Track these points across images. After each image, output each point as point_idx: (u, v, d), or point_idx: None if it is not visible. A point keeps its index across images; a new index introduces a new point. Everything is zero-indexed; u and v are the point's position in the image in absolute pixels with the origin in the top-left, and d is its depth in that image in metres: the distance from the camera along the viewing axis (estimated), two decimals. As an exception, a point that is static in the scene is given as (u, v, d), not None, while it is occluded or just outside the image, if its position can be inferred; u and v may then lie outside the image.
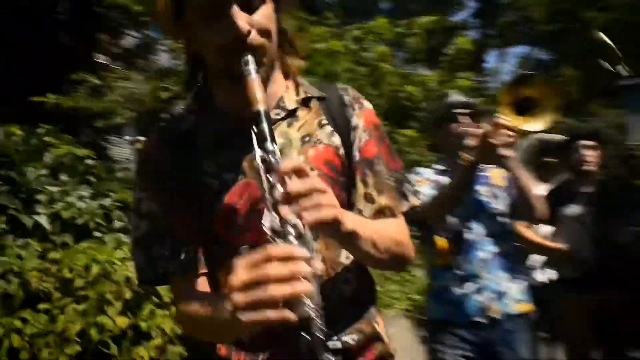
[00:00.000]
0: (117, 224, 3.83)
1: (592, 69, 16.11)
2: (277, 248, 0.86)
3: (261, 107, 0.98)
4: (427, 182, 2.45)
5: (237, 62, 1.03)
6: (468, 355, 2.27)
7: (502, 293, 2.31)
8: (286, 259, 0.84)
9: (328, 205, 0.93)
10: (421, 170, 2.56)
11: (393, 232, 1.19)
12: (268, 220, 0.90)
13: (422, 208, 2.22)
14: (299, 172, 0.91)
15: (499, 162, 2.21)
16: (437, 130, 2.57)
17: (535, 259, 3.53)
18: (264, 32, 1.07)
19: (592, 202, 3.20)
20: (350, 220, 1.03)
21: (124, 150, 10.44)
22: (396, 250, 1.18)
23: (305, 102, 1.22)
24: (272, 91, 1.17)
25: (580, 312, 3.11)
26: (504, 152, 2.10)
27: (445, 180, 2.42)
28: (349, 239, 1.04)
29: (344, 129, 1.21)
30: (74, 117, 7.02)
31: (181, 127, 1.19)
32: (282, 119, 1.18)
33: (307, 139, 1.18)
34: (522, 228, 2.94)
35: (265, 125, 0.96)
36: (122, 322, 2.88)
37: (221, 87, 1.16)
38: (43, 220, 3.40)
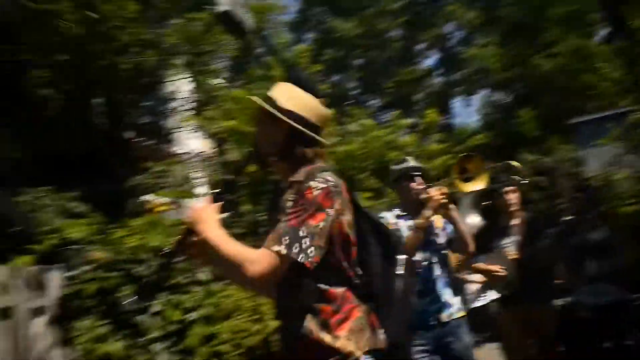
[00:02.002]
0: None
1: (546, 108, 17.73)
2: None
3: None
4: (390, 226, 3.33)
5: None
6: (427, 348, 3.28)
7: (447, 304, 3.37)
8: None
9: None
10: (383, 214, 3.50)
11: (244, 250, 1.74)
12: None
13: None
14: None
15: (441, 212, 3.38)
16: (397, 186, 3.64)
17: (472, 288, 4.66)
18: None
19: (519, 234, 4.24)
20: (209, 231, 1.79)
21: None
22: (236, 260, 1.71)
23: (291, 183, 1.91)
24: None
25: (513, 321, 4.20)
26: (446, 204, 3.30)
27: (402, 222, 3.42)
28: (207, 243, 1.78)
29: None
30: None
31: None
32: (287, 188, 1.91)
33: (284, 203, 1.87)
34: (463, 259, 3.97)
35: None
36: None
37: None
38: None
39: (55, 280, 4.44)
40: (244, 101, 7.97)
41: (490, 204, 4.57)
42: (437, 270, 3.42)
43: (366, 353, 1.78)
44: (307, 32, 23.13)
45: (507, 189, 4.27)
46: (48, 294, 4.36)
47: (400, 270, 1.88)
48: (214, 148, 9.82)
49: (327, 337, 1.77)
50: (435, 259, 3.42)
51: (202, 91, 9.84)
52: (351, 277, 1.88)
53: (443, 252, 3.49)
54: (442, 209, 3.36)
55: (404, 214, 3.49)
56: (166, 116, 11.29)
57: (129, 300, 4.41)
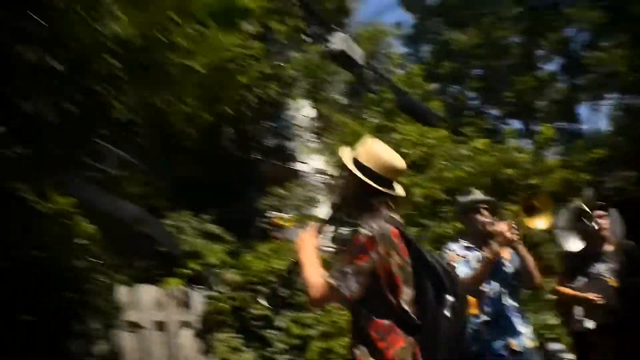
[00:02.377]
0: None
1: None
2: None
3: None
4: (458, 257, 3.44)
5: None
6: None
7: (518, 333, 3.33)
8: None
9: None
10: (452, 245, 3.54)
11: (314, 276, 2.14)
12: None
13: (462, 283, 3.17)
14: None
15: (508, 245, 3.39)
16: (465, 218, 3.64)
17: (578, 310, 4.67)
18: None
19: (615, 261, 4.12)
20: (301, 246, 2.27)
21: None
22: (306, 283, 2.14)
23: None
24: None
25: (609, 350, 4.12)
26: (513, 239, 3.35)
27: (470, 254, 3.45)
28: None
29: None
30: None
31: None
32: None
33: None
34: (559, 286, 4.10)
35: None
36: None
37: None
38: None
39: (198, 299, 5.26)
40: (355, 130, 8.59)
41: (585, 228, 4.53)
42: (507, 301, 3.43)
43: None
44: (423, 45, 23.28)
45: (598, 212, 4.19)
46: (193, 311, 5.19)
47: (447, 310, 2.15)
48: (333, 170, 10.46)
49: None
50: (504, 290, 3.43)
51: (321, 117, 10.53)
52: (397, 311, 2.12)
53: (512, 282, 3.48)
54: (508, 243, 3.37)
55: (472, 245, 3.53)
56: (289, 140, 12.21)
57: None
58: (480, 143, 9.75)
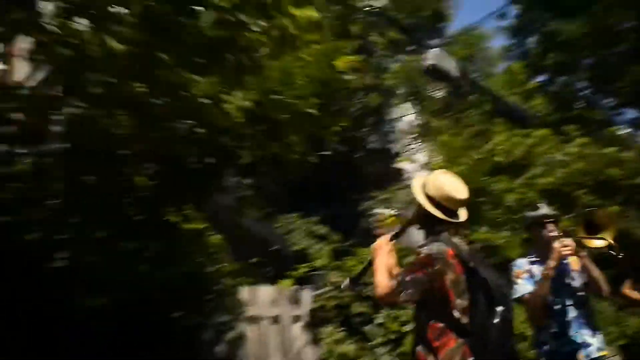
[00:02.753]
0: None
1: None
2: None
3: None
4: (523, 273, 3.61)
5: None
6: None
7: (585, 344, 3.45)
8: None
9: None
10: (518, 261, 3.72)
11: (383, 277, 2.67)
12: None
13: (525, 300, 3.57)
14: None
15: (574, 257, 3.59)
16: (531, 231, 3.84)
17: None
18: None
19: None
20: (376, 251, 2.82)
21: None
22: (374, 283, 2.68)
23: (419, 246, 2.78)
24: None
25: None
26: (579, 253, 3.58)
27: (536, 267, 3.59)
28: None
29: None
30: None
31: None
32: None
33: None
34: (626, 290, 4.17)
35: None
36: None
37: None
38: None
39: (307, 297, 6.06)
40: (453, 136, 9.02)
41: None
42: (573, 312, 3.53)
43: None
44: (528, 36, 22.70)
45: None
46: (303, 307, 6.00)
47: (497, 318, 2.54)
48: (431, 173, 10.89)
49: (430, 358, 2.54)
50: (570, 302, 3.55)
51: (421, 122, 11.01)
52: (450, 317, 2.55)
53: (579, 294, 3.60)
54: (573, 255, 3.50)
55: (537, 259, 3.66)
56: (392, 142, 12.81)
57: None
58: (582, 142, 9.73)
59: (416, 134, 11.55)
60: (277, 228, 8.94)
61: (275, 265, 6.96)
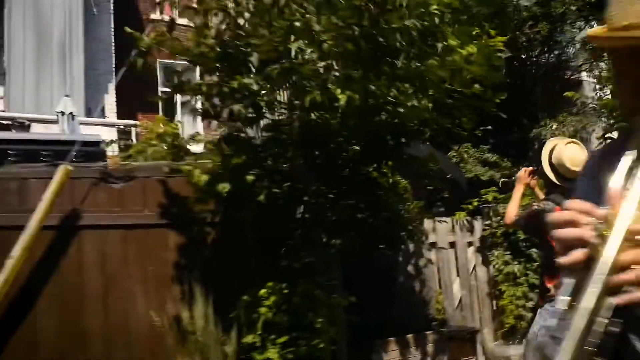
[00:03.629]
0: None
1: None
2: None
3: None
4: None
5: None
6: None
7: None
8: None
9: None
10: None
11: (514, 204, 3.61)
12: None
13: None
14: None
15: None
16: None
17: None
18: None
19: None
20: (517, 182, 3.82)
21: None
22: (507, 207, 4.01)
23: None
24: None
25: None
26: None
27: None
28: None
29: None
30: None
31: None
32: None
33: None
34: None
35: None
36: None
37: None
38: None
39: (478, 225, 7.32)
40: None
41: None
42: None
43: None
44: None
45: None
46: (475, 234, 7.30)
47: None
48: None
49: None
50: None
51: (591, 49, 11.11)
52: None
53: None
54: None
55: None
56: (565, 68, 12.95)
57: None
58: None
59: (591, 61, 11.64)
60: (449, 159, 10.03)
61: (451, 193, 8.19)
